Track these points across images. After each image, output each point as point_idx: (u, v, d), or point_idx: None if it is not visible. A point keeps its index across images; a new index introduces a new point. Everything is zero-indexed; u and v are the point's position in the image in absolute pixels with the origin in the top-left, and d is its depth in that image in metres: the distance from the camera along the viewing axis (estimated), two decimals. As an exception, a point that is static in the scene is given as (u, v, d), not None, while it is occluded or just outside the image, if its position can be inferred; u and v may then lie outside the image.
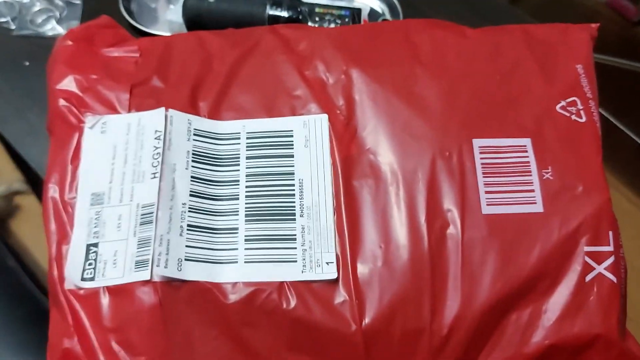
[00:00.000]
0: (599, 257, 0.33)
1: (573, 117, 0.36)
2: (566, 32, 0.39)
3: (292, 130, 0.35)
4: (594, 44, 0.39)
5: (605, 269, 0.33)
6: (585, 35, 0.39)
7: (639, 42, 1.29)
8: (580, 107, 0.36)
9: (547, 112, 0.36)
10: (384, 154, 0.35)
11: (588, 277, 0.32)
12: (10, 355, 0.42)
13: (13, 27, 0.48)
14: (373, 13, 0.51)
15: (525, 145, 0.35)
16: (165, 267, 0.30)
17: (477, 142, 0.35)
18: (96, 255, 0.32)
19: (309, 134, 0.35)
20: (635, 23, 1.29)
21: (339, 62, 0.37)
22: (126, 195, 0.33)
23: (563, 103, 0.36)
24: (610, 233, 0.33)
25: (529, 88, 0.37)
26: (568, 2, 1.32)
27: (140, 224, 0.32)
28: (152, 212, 0.32)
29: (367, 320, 0.31)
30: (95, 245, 0.32)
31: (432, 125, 0.35)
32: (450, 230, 0.33)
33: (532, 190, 0.34)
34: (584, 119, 0.36)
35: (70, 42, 0.39)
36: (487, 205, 0.33)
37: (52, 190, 0.34)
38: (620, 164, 1.10)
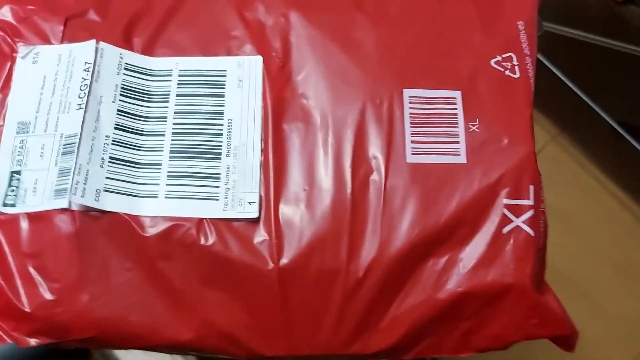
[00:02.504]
0: (518, 210, 0.33)
1: (507, 72, 0.36)
2: None
3: (225, 70, 0.35)
4: (540, 2, 0.39)
5: (523, 222, 0.33)
6: None
7: (620, 22, 1.29)
8: (515, 62, 0.36)
9: (481, 67, 0.35)
10: (316, 98, 0.34)
11: (505, 229, 0.33)
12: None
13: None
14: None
15: (455, 98, 0.34)
16: (82, 196, 0.30)
17: (408, 92, 0.34)
18: (19, 182, 0.31)
19: (243, 74, 0.35)
20: (618, 3, 1.28)
21: (278, 4, 0.36)
22: (51, 126, 0.32)
23: (499, 58, 0.36)
24: (532, 187, 0.33)
25: (466, 42, 0.36)
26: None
27: (62, 154, 0.31)
28: (74, 143, 0.31)
29: (284, 259, 0.31)
30: (18, 172, 0.32)
31: (366, 73, 0.35)
32: (374, 176, 0.33)
33: (457, 142, 0.34)
34: (517, 75, 0.36)
35: (11, -28, 0.38)
36: (412, 154, 0.33)
37: (-20, 119, 0.33)
38: (592, 144, 1.10)
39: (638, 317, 0.53)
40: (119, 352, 0.83)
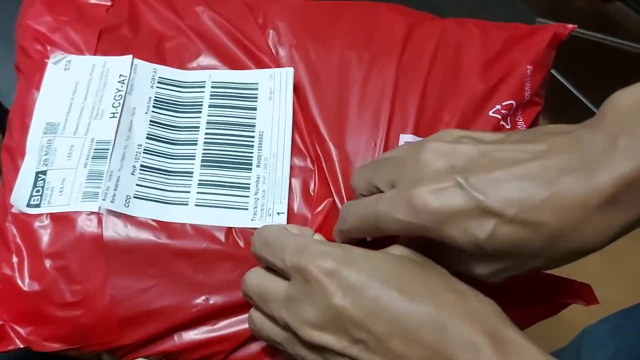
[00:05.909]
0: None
1: (501, 121, 0.35)
2: (530, 33, 0.38)
3: (257, 83, 0.34)
4: (559, 41, 0.37)
5: None
6: (546, 36, 0.37)
7: (606, 17, 1.30)
8: (511, 112, 0.36)
9: (480, 117, 0.35)
10: (329, 132, 0.34)
11: None
12: None
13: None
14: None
15: None
16: (112, 201, 0.29)
17: (404, 138, 0.34)
18: (44, 182, 0.30)
19: (274, 85, 0.34)
20: (605, 0, 1.29)
21: (289, 34, 0.36)
22: (81, 129, 0.32)
23: (498, 107, 0.36)
24: None
25: (469, 91, 0.36)
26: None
27: (93, 158, 0.31)
28: (107, 149, 0.31)
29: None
30: (44, 172, 0.31)
31: (366, 117, 0.34)
32: None
33: None
34: (509, 126, 0.36)
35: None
36: None
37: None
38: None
39: (622, 304, 0.54)
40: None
